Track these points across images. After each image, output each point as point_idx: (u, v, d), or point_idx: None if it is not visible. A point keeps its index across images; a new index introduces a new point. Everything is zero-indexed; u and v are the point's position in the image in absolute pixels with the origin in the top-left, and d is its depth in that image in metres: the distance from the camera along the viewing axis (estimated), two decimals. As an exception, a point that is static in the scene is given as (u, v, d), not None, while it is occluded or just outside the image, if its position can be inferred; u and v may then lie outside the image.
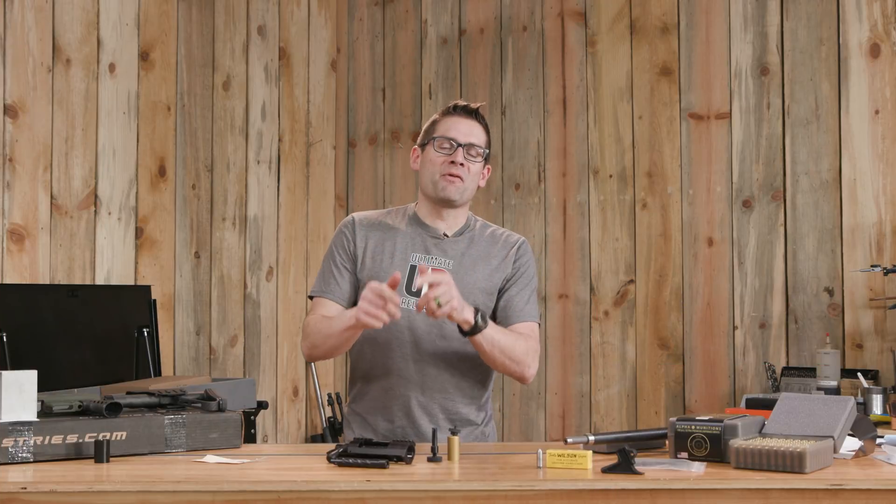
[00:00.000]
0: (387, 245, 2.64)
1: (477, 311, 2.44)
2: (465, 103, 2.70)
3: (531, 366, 2.58)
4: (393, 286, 2.35)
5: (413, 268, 2.59)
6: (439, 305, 2.34)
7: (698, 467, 2.03)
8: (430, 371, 2.58)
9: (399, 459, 2.13)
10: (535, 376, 2.67)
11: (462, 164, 2.61)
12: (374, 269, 2.61)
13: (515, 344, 2.54)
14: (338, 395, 5.13)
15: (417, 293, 2.54)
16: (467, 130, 2.65)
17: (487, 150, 2.69)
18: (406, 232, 2.66)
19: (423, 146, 2.70)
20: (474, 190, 2.69)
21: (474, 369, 2.63)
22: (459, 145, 2.62)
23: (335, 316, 2.57)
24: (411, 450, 2.16)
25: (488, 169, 2.73)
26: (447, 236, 2.66)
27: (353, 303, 2.61)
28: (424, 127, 2.73)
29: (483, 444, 2.63)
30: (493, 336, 2.48)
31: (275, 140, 5.09)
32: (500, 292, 2.66)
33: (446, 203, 2.64)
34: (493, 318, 2.64)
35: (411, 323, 2.57)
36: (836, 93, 4.20)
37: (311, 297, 2.71)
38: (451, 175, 2.61)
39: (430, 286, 2.35)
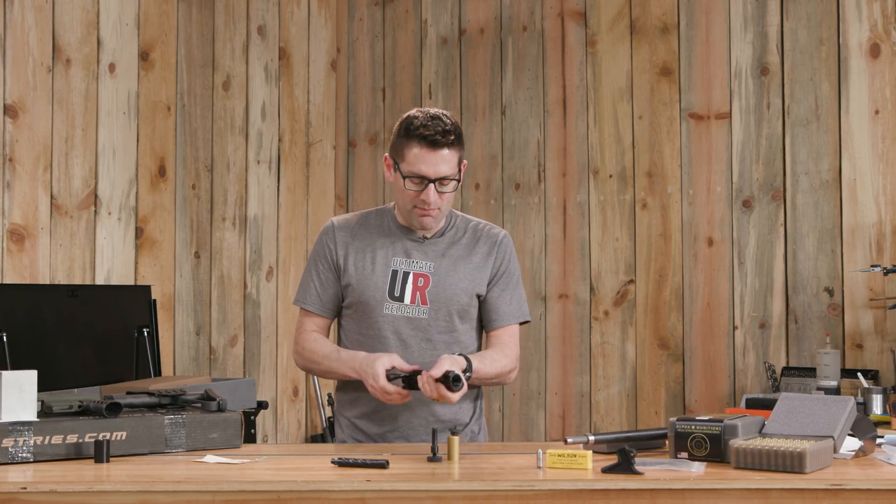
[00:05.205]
0: (367, 252, 2.63)
1: (466, 361, 2.49)
2: (433, 133, 2.48)
3: (511, 374, 2.65)
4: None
5: (395, 272, 2.59)
6: (456, 382, 2.36)
7: (698, 467, 2.03)
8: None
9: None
10: (517, 376, 2.76)
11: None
12: (358, 278, 2.61)
13: (494, 365, 2.59)
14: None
15: (401, 298, 2.57)
16: (436, 161, 2.49)
17: (462, 165, 2.56)
18: (386, 236, 2.64)
19: (394, 163, 2.56)
20: (451, 204, 2.63)
21: None
22: (430, 181, 2.51)
23: (336, 355, 2.61)
24: None
25: (464, 164, 2.60)
26: (427, 238, 2.64)
27: (337, 309, 2.68)
28: (392, 139, 2.57)
29: (483, 445, 2.63)
30: (477, 374, 2.52)
31: (275, 140, 5.09)
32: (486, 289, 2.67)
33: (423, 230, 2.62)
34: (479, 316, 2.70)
35: (397, 328, 2.59)
36: (836, 93, 4.20)
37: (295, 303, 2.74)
38: (424, 210, 2.55)
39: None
